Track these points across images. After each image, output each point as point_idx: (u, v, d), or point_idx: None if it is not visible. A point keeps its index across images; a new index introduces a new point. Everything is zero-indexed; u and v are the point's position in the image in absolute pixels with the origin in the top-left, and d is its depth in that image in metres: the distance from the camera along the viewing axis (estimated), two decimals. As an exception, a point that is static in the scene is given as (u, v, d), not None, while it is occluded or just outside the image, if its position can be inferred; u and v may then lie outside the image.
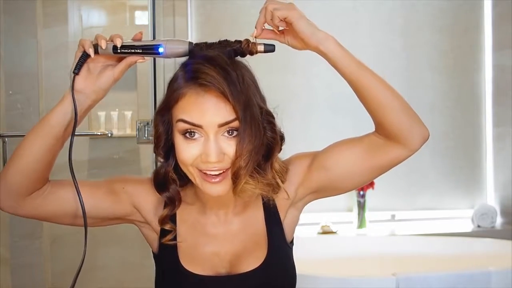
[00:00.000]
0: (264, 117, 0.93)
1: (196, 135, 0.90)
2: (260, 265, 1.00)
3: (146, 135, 1.83)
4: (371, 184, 2.71)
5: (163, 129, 0.95)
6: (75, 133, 0.94)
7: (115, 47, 0.91)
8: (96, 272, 2.40)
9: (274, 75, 2.70)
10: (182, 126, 0.90)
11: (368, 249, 2.57)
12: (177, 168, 0.97)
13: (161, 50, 0.90)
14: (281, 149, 0.99)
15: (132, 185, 1.03)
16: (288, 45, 0.95)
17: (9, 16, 2.13)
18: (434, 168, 2.91)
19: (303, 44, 0.93)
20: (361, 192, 2.73)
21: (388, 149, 0.96)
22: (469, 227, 2.85)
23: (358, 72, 0.91)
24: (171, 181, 0.98)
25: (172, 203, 1.00)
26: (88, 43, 0.91)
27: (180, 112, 0.90)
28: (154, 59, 1.85)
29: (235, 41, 0.93)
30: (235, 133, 0.90)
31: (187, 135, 0.90)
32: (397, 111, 0.93)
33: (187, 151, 0.90)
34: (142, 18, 2.73)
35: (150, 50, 0.91)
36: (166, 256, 1.02)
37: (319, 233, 2.68)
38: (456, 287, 1.98)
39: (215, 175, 0.91)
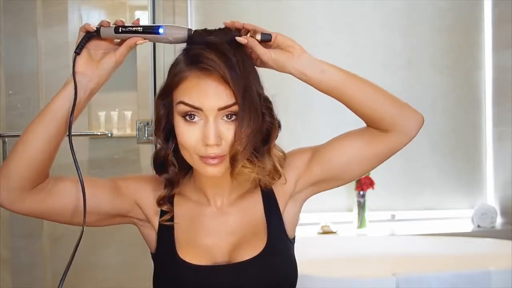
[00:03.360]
0: (262, 103, 0.96)
1: (196, 118, 0.92)
2: (259, 253, 1.00)
3: (146, 135, 1.83)
4: (371, 184, 2.71)
5: (164, 112, 0.97)
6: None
7: (116, 28, 0.93)
8: (96, 272, 2.40)
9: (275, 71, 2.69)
10: (182, 108, 0.92)
11: (368, 249, 2.57)
12: (177, 153, 0.99)
13: (161, 30, 0.93)
14: (277, 135, 1.01)
15: (134, 181, 1.05)
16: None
17: (9, 16, 2.12)
18: (434, 168, 2.91)
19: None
20: (361, 192, 2.72)
21: (387, 138, 1.00)
22: (469, 227, 2.85)
23: (342, 84, 0.98)
24: (170, 163, 1.00)
25: (171, 184, 1.02)
26: (88, 24, 0.94)
27: (181, 94, 0.92)
28: (154, 60, 1.85)
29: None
30: (233, 117, 0.92)
31: (187, 117, 0.92)
32: (386, 106, 0.98)
33: (187, 134, 0.92)
34: (142, 18, 2.71)
35: (150, 29, 0.94)
36: (164, 251, 1.03)
37: (319, 233, 2.68)
38: (456, 287, 1.98)
39: (213, 157, 0.92)
